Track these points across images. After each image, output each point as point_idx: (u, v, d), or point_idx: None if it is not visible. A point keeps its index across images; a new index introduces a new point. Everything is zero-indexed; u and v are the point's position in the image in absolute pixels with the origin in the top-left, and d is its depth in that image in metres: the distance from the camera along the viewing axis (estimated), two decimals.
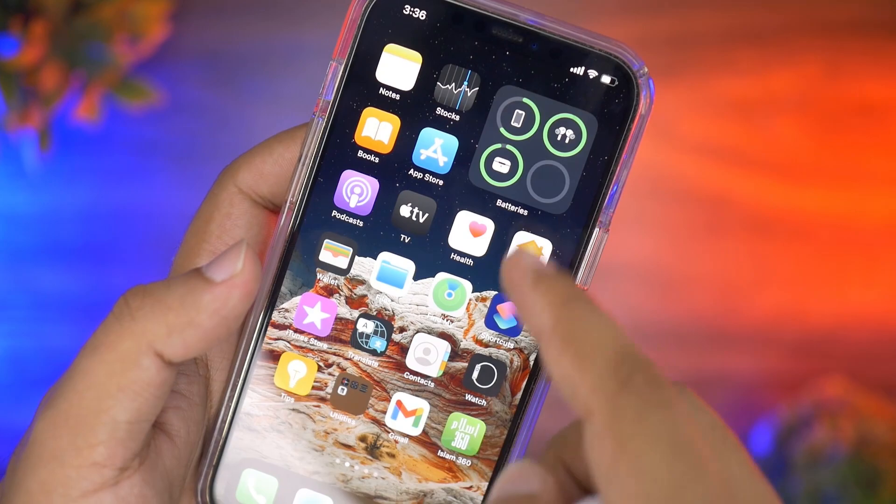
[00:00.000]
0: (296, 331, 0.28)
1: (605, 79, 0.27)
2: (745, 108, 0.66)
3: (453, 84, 0.26)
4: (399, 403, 0.28)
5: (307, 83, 0.68)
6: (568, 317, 0.20)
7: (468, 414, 0.28)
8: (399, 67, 0.26)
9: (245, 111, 0.69)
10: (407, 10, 0.26)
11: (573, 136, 0.27)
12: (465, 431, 0.28)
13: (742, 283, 0.67)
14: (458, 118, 0.27)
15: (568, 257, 0.28)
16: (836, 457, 0.58)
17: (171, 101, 0.68)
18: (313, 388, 0.28)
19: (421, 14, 0.26)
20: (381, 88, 0.26)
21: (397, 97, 0.27)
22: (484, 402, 0.28)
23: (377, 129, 0.27)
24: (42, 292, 0.70)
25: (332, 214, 0.27)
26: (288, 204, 0.27)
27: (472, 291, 0.28)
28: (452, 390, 0.28)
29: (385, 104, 0.27)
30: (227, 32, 0.68)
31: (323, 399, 0.28)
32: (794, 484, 0.59)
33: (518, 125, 0.27)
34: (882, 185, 0.66)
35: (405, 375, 0.28)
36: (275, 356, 0.28)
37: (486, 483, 0.28)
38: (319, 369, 0.28)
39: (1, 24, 0.58)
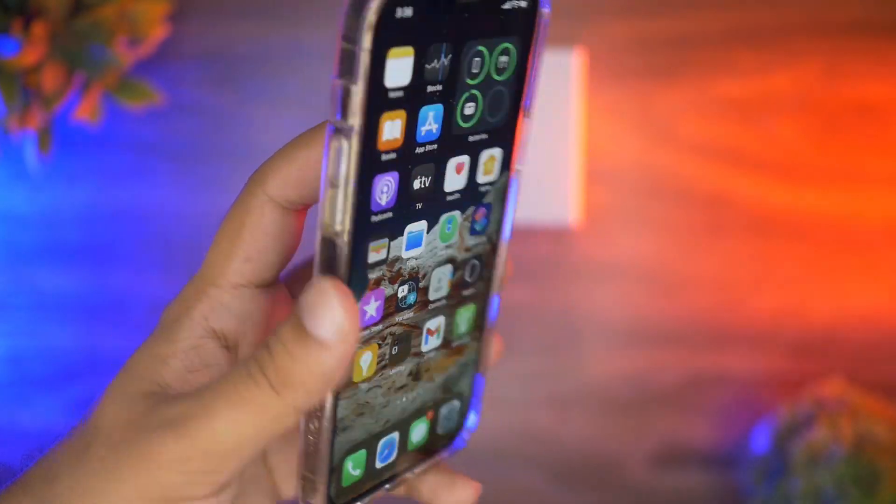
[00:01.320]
0: (360, 330, 0.29)
1: (523, 3, 0.30)
2: (745, 108, 0.66)
3: (435, 60, 0.28)
4: (428, 330, 0.32)
5: (306, 83, 0.68)
6: None
7: (465, 305, 0.33)
8: (399, 67, 0.27)
9: (244, 111, 0.69)
10: (398, 12, 0.26)
11: (507, 60, 0.30)
12: (465, 318, 0.33)
13: (742, 283, 0.67)
14: (441, 87, 0.28)
15: (509, 152, 0.31)
16: (836, 457, 0.58)
17: (171, 101, 0.68)
18: (377, 365, 0.30)
19: (408, 10, 0.27)
20: (390, 93, 0.27)
21: (402, 94, 0.27)
22: (473, 290, 0.33)
23: (392, 129, 0.28)
24: (42, 292, 0.70)
25: (372, 221, 0.28)
26: (336, 233, 0.27)
27: (461, 215, 0.31)
28: (455, 296, 0.32)
29: (395, 105, 0.27)
30: (227, 33, 0.68)
31: (384, 367, 0.30)
32: (794, 484, 0.59)
33: (476, 71, 0.29)
34: (882, 185, 0.66)
35: (429, 308, 0.31)
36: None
37: (477, 342, 0.33)
38: (379, 347, 0.30)
39: (2, 26, 0.58)
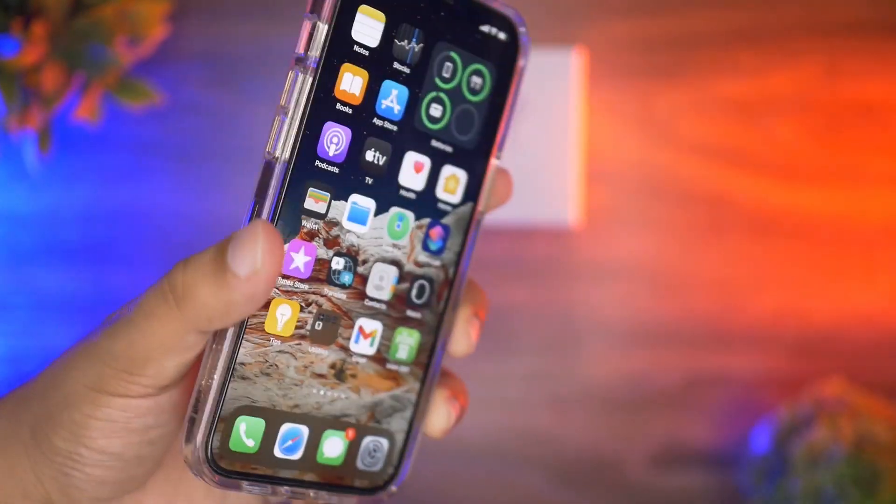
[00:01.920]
0: (283, 276, 0.29)
1: (502, 35, 0.31)
2: (745, 108, 0.66)
3: (406, 41, 0.30)
4: (360, 328, 0.31)
5: None
6: None
7: (408, 327, 0.32)
8: (368, 25, 0.29)
9: (244, 111, 0.69)
10: None
11: (481, 83, 0.31)
12: (406, 343, 0.32)
13: (742, 283, 0.67)
14: (408, 71, 0.30)
15: (476, 184, 0.32)
16: (836, 457, 0.58)
17: (170, 101, 0.68)
18: (296, 328, 0.30)
19: None
20: (356, 46, 0.29)
21: (367, 53, 0.29)
22: (419, 315, 0.32)
23: (351, 83, 0.29)
24: (42, 292, 0.70)
25: (316, 164, 0.29)
26: (275, 158, 0.28)
27: (414, 220, 0.31)
28: (398, 309, 0.32)
29: (358, 60, 0.29)
30: (227, 33, 0.68)
31: (303, 336, 0.30)
32: (794, 484, 0.59)
33: (447, 75, 0.31)
34: (882, 185, 0.66)
35: (365, 303, 0.31)
36: (265, 304, 0.29)
37: (419, 384, 0.32)
38: (301, 309, 0.30)
39: (2, 25, 0.58)
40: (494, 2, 0.31)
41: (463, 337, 0.33)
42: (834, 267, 0.66)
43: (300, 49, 0.28)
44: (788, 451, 0.60)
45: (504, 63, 0.32)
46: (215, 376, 0.28)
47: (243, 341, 0.29)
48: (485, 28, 0.31)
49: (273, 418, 0.30)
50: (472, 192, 0.32)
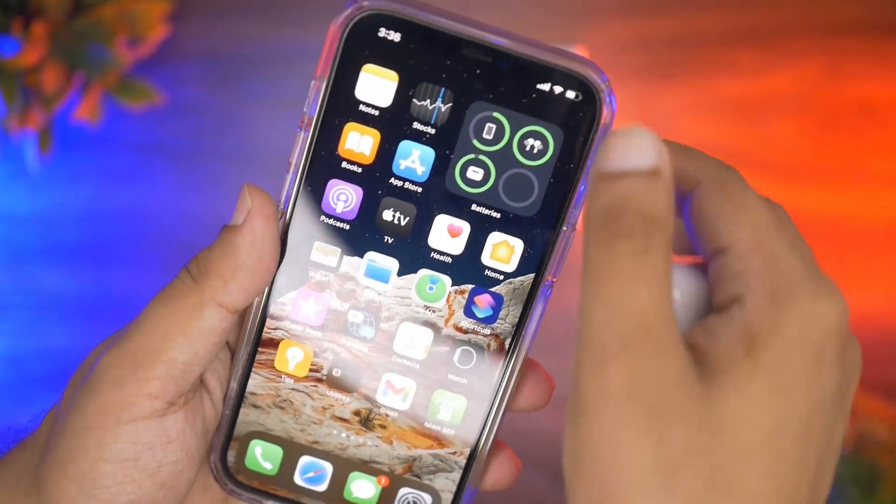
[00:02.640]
0: (293, 321, 0.30)
1: (570, 94, 0.28)
2: (745, 109, 0.66)
3: (428, 100, 0.28)
4: (388, 382, 0.31)
5: (307, 83, 0.68)
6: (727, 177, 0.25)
7: (451, 391, 0.31)
8: (377, 86, 0.28)
9: (245, 112, 0.69)
10: (382, 32, 0.27)
11: (541, 147, 0.28)
12: (449, 405, 0.31)
13: None
14: (433, 131, 0.28)
15: (538, 254, 0.30)
16: None
17: (171, 101, 0.68)
18: (310, 370, 0.31)
19: (396, 36, 0.27)
20: (361, 105, 0.28)
21: (376, 113, 0.28)
22: (464, 380, 0.31)
23: (359, 142, 0.28)
24: (42, 292, 0.70)
25: (321, 219, 0.29)
26: (280, 210, 0.29)
27: (452, 285, 0.30)
28: (436, 371, 0.31)
29: (365, 119, 0.28)
30: (228, 33, 0.68)
31: (319, 380, 0.31)
32: None
33: (489, 137, 0.28)
34: (882, 185, 0.66)
35: (392, 359, 0.31)
36: (274, 343, 0.30)
37: (469, 448, 0.32)
38: (315, 354, 0.30)
39: (2, 26, 0.58)
40: (559, 56, 0.27)
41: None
42: (834, 267, 0.66)
43: (305, 109, 0.28)
44: None
45: (576, 124, 0.28)
46: (226, 400, 0.30)
47: (253, 374, 0.30)
48: (543, 87, 0.28)
49: (291, 448, 0.31)
50: (532, 263, 0.30)
